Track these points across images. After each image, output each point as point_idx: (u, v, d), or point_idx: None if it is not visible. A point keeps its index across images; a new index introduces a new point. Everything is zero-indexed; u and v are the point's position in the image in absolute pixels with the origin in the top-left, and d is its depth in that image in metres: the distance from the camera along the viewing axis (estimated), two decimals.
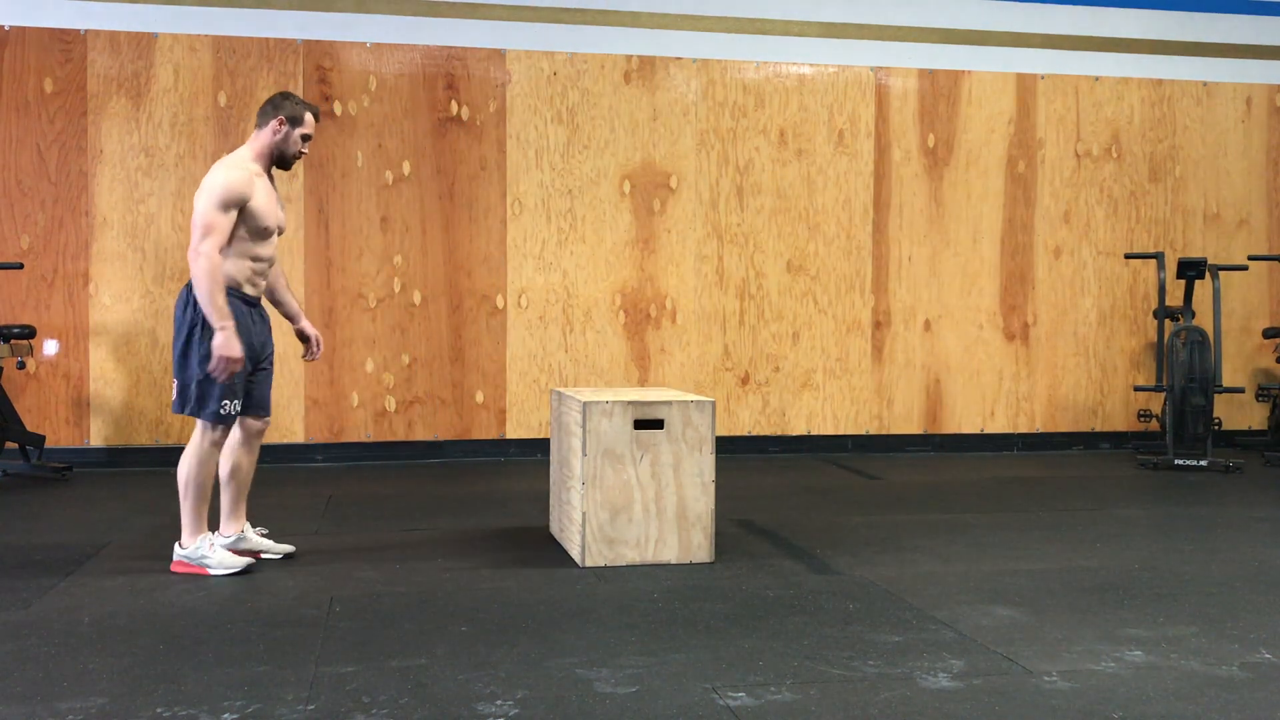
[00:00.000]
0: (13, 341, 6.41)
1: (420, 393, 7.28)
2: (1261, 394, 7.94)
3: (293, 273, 7.09)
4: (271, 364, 4.58)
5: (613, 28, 7.49)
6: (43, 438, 6.55)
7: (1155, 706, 2.94)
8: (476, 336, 7.34)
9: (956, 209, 7.89)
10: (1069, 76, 8.03)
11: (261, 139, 4.44)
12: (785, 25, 7.70)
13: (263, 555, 4.54)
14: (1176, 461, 7.09)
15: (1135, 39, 8.14)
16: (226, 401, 4.27)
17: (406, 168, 7.23)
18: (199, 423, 4.30)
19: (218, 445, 4.34)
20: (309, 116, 4.49)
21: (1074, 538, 5.05)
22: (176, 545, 4.35)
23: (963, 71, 7.89)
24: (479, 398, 7.35)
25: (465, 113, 7.30)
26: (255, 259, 4.39)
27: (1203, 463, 7.03)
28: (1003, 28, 7.97)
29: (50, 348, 6.87)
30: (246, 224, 4.31)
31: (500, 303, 7.34)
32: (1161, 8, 8.15)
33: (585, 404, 4.40)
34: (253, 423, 4.53)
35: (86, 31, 6.88)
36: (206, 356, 4.20)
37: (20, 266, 6.59)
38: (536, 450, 7.32)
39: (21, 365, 6.41)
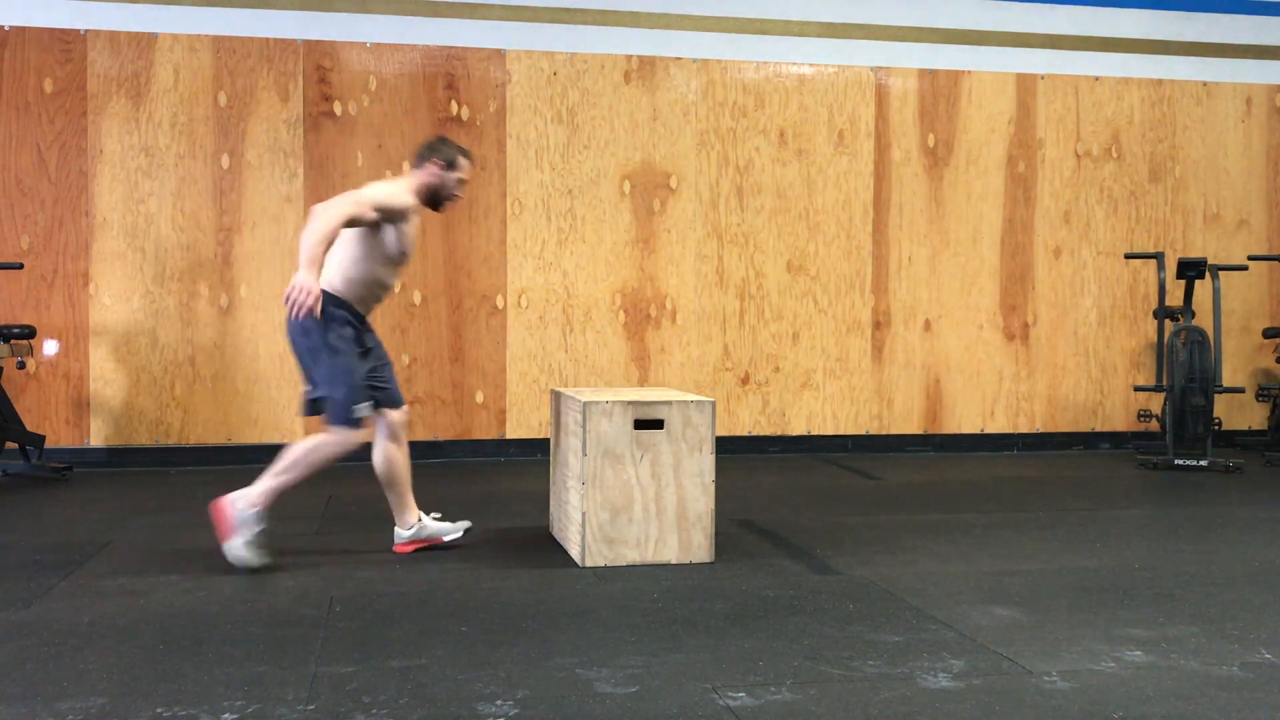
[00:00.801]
0: (13, 341, 6.41)
1: (420, 393, 7.28)
2: (1261, 394, 7.94)
3: (292, 272, 7.07)
4: (384, 354, 4.65)
5: (613, 28, 7.49)
6: (43, 438, 6.55)
7: (1155, 706, 2.94)
8: (476, 336, 7.34)
9: (956, 209, 7.89)
10: (1069, 76, 8.04)
11: (418, 178, 4.56)
12: (785, 25, 7.70)
13: (445, 539, 4.69)
14: (1176, 461, 7.09)
15: (1135, 39, 8.14)
16: (364, 405, 4.39)
17: (406, 168, 7.22)
18: (338, 426, 4.35)
19: (346, 450, 4.39)
20: (464, 162, 4.63)
21: (1074, 538, 5.05)
22: (237, 497, 4.32)
23: (963, 71, 7.89)
24: (479, 398, 7.35)
25: (465, 113, 7.30)
26: (380, 285, 4.50)
27: (1203, 463, 7.03)
28: (1003, 28, 7.97)
29: (50, 348, 6.87)
30: (390, 245, 4.42)
31: (500, 303, 7.34)
32: (1161, 8, 8.15)
33: (585, 404, 4.40)
34: (393, 414, 4.61)
35: (86, 31, 6.88)
36: (346, 355, 4.32)
37: (20, 266, 6.59)
38: (536, 450, 7.31)
39: (21, 365, 6.41)
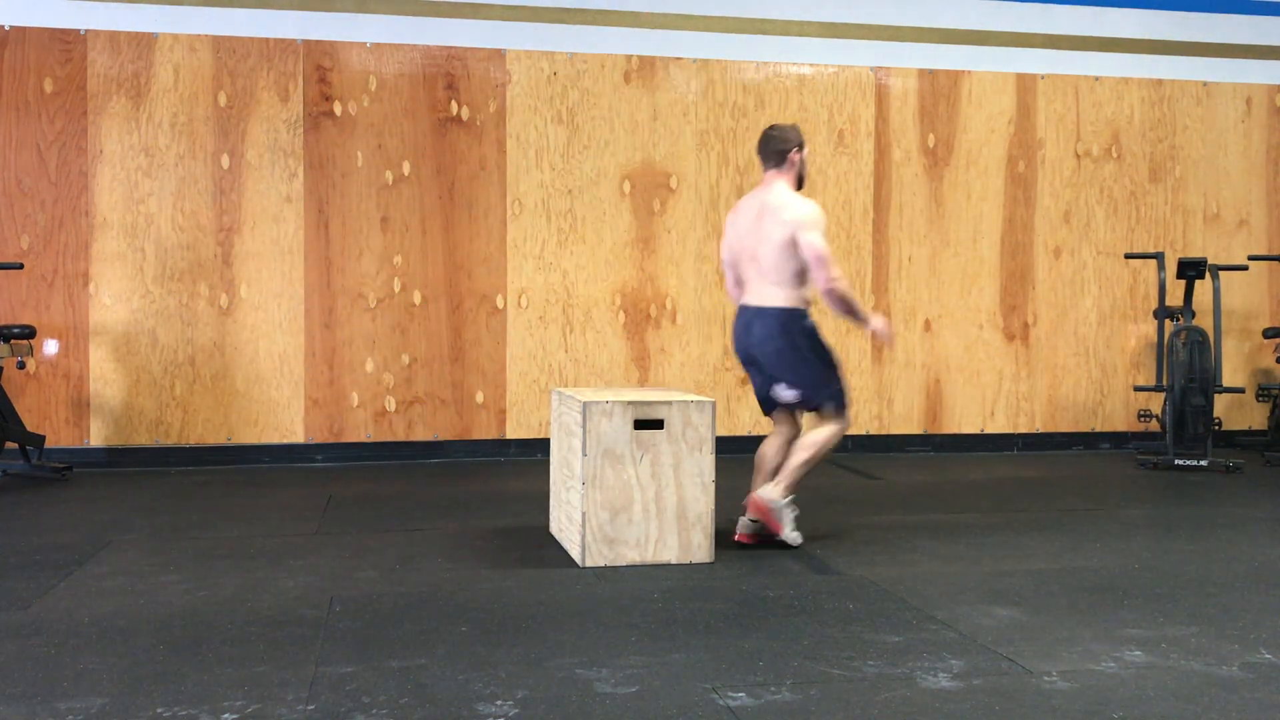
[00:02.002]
0: (13, 341, 6.41)
1: (420, 393, 7.28)
2: (1261, 394, 7.94)
3: (292, 272, 7.09)
4: None
5: (613, 28, 7.49)
6: (43, 438, 6.55)
7: (1155, 706, 2.94)
8: (476, 336, 7.34)
9: (956, 209, 7.89)
10: (1069, 76, 8.04)
11: (791, 173, 4.87)
12: (785, 25, 7.70)
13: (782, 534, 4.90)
14: (1176, 461, 7.09)
15: (1135, 39, 8.14)
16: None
17: (406, 168, 7.23)
18: (836, 412, 4.85)
19: (843, 434, 4.92)
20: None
21: (1074, 538, 5.05)
22: (767, 488, 4.79)
23: (963, 71, 7.89)
24: (479, 398, 7.35)
25: (465, 113, 7.30)
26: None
27: (1203, 463, 7.03)
28: (1003, 28, 7.97)
29: (50, 348, 6.87)
30: None
31: (500, 303, 7.35)
32: (1161, 8, 8.15)
33: (585, 404, 4.40)
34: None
35: (86, 31, 6.89)
36: (825, 357, 4.84)
37: (20, 266, 6.59)
38: (536, 450, 7.31)
39: (21, 365, 6.41)
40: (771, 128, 4.90)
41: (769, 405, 4.98)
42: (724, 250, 5.03)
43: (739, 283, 4.97)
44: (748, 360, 4.93)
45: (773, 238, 4.72)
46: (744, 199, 5.02)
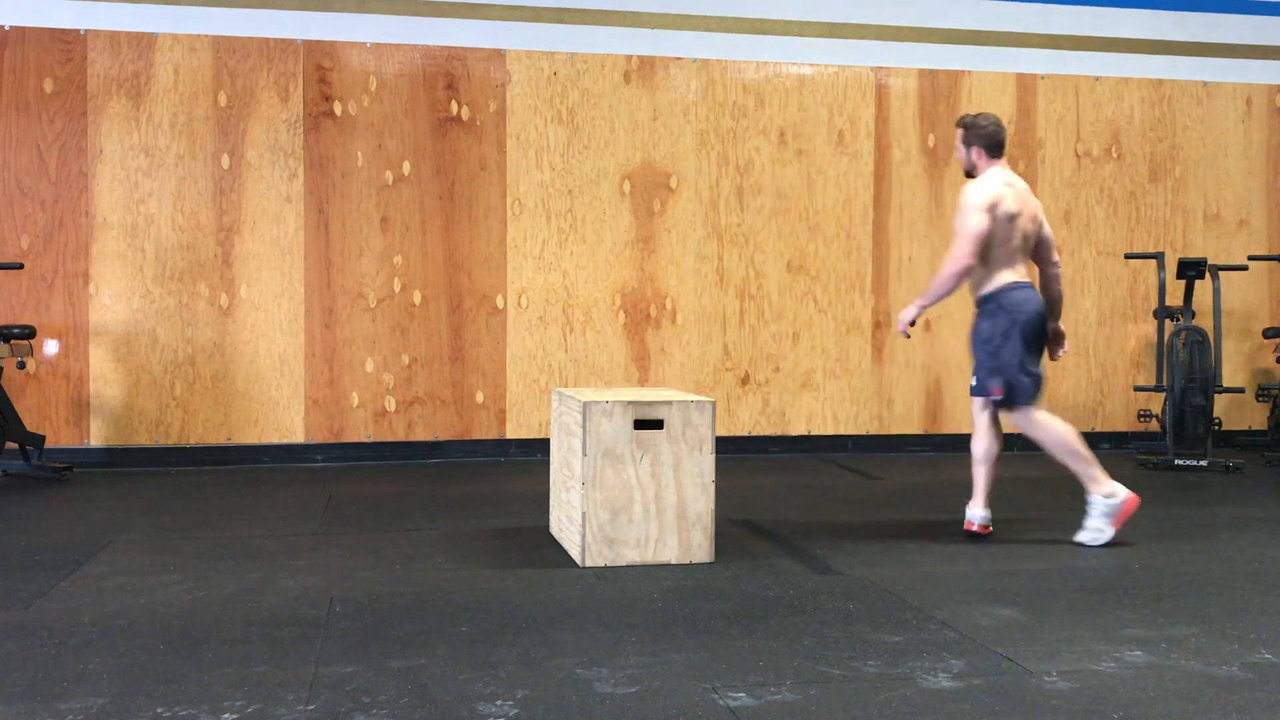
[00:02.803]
0: (13, 341, 6.41)
1: (420, 393, 7.28)
2: (1261, 394, 7.94)
3: (293, 272, 7.09)
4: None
5: (613, 28, 7.49)
6: (43, 438, 6.55)
7: (1155, 706, 2.94)
8: (476, 336, 7.34)
9: (956, 209, 7.87)
10: (1069, 76, 8.04)
11: None
12: (785, 25, 7.70)
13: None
14: (1176, 461, 7.09)
15: (1135, 39, 8.14)
16: None
17: (406, 168, 7.23)
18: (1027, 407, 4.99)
19: None
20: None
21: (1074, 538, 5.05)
22: (1098, 498, 4.84)
23: (963, 71, 7.89)
24: (479, 398, 7.35)
25: (465, 113, 7.30)
26: None
27: (1203, 463, 7.03)
28: (1003, 28, 7.97)
29: (50, 348, 6.87)
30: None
31: (500, 303, 7.35)
32: (1161, 8, 8.15)
33: (585, 404, 4.40)
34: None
35: (86, 31, 6.89)
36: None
37: (20, 266, 6.59)
38: (536, 450, 7.32)
39: (21, 365, 6.41)
40: (983, 118, 5.00)
41: (1037, 390, 5.03)
42: (983, 221, 4.89)
43: (981, 257, 4.94)
44: (1042, 338, 5.06)
45: (1038, 218, 5.03)
46: (998, 175, 4.99)
